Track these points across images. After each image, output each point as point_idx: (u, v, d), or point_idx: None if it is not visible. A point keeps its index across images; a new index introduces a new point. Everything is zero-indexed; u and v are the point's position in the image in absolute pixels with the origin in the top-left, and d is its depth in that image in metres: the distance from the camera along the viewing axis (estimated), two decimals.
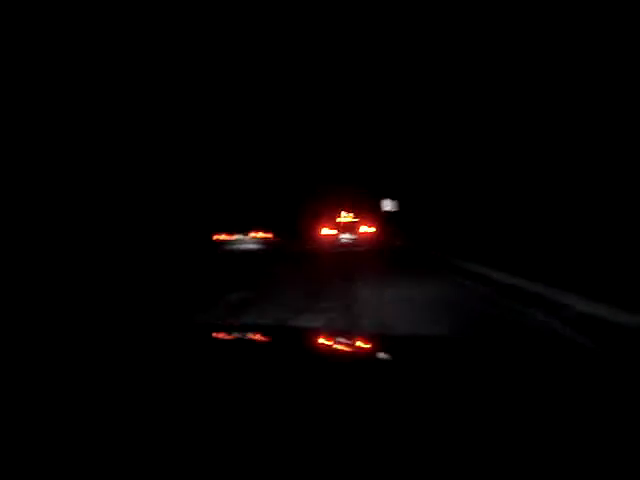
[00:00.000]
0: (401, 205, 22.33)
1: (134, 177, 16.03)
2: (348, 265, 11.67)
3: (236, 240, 14.99)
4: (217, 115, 21.58)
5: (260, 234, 15.03)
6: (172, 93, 18.46)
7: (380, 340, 1.57)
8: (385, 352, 1.32)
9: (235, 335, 1.58)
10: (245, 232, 15.01)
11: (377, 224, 21.35)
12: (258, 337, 1.56)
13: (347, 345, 1.45)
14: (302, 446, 0.64)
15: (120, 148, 15.95)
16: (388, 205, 22.01)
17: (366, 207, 28.13)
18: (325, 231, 20.61)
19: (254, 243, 14.93)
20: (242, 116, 23.42)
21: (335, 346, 1.42)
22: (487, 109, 13.44)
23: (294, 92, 26.43)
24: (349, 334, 2.01)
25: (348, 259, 13.43)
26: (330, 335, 1.66)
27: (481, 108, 13.87)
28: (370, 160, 28.21)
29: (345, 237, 20.00)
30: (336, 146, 30.03)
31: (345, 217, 27.79)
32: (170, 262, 13.21)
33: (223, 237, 15.07)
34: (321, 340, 1.49)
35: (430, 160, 20.48)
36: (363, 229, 20.29)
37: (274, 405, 0.80)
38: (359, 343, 1.48)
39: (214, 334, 1.56)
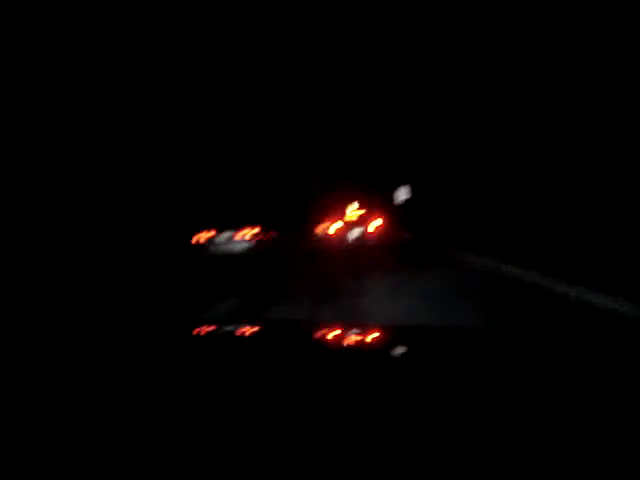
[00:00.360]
0: (414, 192, 19.92)
1: (97, 164, 13.76)
2: (359, 266, 9.91)
3: (224, 240, 12.64)
4: (204, 97, 19.33)
5: (254, 231, 12.68)
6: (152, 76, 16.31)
7: (389, 332, 1.48)
8: (395, 345, 1.29)
9: (239, 330, 1.52)
10: (235, 229, 12.64)
11: (387, 217, 19.93)
12: (266, 331, 1.48)
13: (356, 338, 1.39)
14: (311, 442, 0.64)
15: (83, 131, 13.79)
16: (402, 194, 19.59)
17: (376, 199, 26.37)
18: (332, 226, 19.54)
19: (246, 243, 12.58)
20: (235, 97, 21.15)
21: (342, 340, 1.39)
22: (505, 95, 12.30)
23: (299, 76, 24.36)
24: (357, 326, 1.77)
25: (359, 258, 11.84)
26: (337, 328, 1.56)
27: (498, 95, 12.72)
28: (381, 147, 25.96)
29: (354, 232, 18.49)
30: (343, 133, 27.71)
31: (353, 211, 26.30)
32: (133, 277, 10.94)
33: (207, 236, 12.73)
34: (329, 334, 1.45)
35: (444, 145, 18.41)
36: (373, 223, 18.77)
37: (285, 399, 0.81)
38: (370, 336, 1.42)
39: (215, 330, 1.48)
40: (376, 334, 1.43)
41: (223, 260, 12.25)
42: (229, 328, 1.55)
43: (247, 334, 1.45)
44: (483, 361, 1.02)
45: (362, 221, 19.37)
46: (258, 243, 12.66)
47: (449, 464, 0.57)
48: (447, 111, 17.53)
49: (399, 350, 1.22)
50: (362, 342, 1.34)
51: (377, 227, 18.70)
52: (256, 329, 1.51)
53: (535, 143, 10.92)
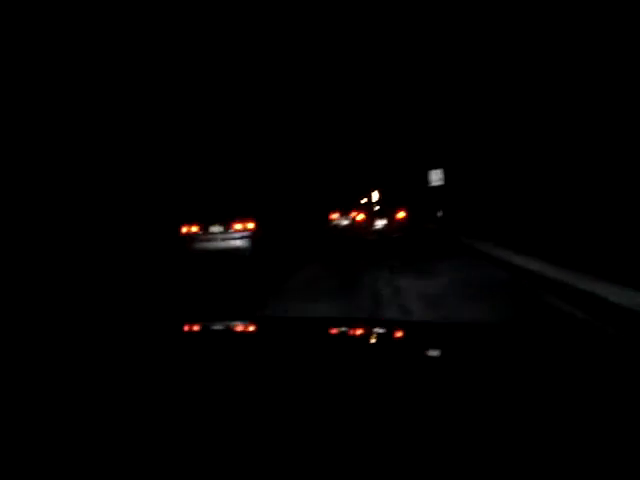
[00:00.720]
0: (447, 179, 16.97)
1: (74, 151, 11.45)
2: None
3: (215, 235, 10.01)
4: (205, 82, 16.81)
5: (250, 224, 9.99)
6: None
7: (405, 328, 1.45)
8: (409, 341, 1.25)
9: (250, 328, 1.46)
10: (227, 222, 9.99)
11: (412, 207, 19.44)
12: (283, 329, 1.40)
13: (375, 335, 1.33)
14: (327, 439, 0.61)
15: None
16: (436, 178, 16.72)
17: (401, 187, 24.49)
18: (358, 215, 18.39)
19: (241, 238, 9.92)
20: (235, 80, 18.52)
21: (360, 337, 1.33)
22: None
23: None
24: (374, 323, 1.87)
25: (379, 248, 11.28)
26: (355, 324, 1.51)
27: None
28: (405, 130, 23.04)
29: (378, 222, 17.68)
30: (362, 113, 24.73)
31: (375, 201, 26.49)
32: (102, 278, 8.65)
33: (194, 230, 10.10)
34: (338, 331, 1.39)
35: (478, 131, 15.87)
36: (397, 214, 18.08)
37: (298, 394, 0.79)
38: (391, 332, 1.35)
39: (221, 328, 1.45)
40: (374, 330, 1.38)
41: (215, 256, 9.85)
42: (223, 325, 1.47)
43: (243, 331, 1.39)
44: (501, 358, 0.99)
45: (386, 212, 18.43)
46: (256, 239, 10.00)
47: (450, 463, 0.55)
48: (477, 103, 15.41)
49: (414, 347, 1.16)
50: (367, 338, 1.29)
51: (401, 218, 17.97)
52: (253, 326, 1.44)
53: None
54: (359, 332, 1.35)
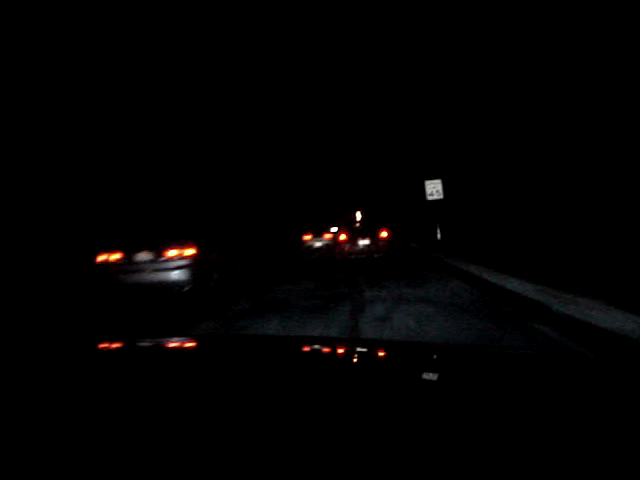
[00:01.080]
0: (447, 191, 14.88)
1: None
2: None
3: (141, 264, 7.51)
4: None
5: (188, 251, 7.51)
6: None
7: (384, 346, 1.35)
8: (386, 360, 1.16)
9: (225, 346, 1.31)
10: (159, 248, 7.52)
11: (393, 228, 18.08)
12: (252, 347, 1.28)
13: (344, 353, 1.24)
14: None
15: None
16: (434, 191, 14.68)
17: (384, 204, 23.12)
18: (331, 238, 17.11)
19: (178, 269, 7.42)
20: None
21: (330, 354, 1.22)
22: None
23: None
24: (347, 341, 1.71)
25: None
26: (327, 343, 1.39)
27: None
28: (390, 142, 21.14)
29: (361, 242, 16.28)
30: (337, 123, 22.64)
31: (357, 220, 26.24)
32: None
33: (115, 258, 7.60)
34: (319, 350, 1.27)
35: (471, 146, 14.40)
36: (379, 234, 16.83)
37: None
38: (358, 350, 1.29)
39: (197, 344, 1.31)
40: (344, 349, 1.27)
41: (142, 291, 7.38)
42: (147, 343, 1.28)
43: (172, 348, 1.23)
44: (482, 382, 0.91)
45: (367, 231, 17.13)
46: (193, 267, 7.53)
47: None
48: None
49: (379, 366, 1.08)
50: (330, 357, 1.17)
51: (384, 237, 16.79)
52: (183, 344, 1.29)
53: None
54: (309, 349, 1.20)
